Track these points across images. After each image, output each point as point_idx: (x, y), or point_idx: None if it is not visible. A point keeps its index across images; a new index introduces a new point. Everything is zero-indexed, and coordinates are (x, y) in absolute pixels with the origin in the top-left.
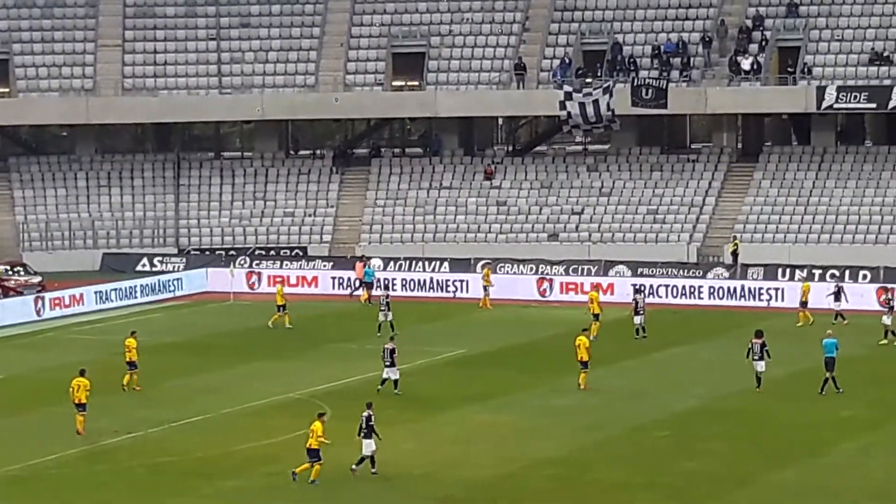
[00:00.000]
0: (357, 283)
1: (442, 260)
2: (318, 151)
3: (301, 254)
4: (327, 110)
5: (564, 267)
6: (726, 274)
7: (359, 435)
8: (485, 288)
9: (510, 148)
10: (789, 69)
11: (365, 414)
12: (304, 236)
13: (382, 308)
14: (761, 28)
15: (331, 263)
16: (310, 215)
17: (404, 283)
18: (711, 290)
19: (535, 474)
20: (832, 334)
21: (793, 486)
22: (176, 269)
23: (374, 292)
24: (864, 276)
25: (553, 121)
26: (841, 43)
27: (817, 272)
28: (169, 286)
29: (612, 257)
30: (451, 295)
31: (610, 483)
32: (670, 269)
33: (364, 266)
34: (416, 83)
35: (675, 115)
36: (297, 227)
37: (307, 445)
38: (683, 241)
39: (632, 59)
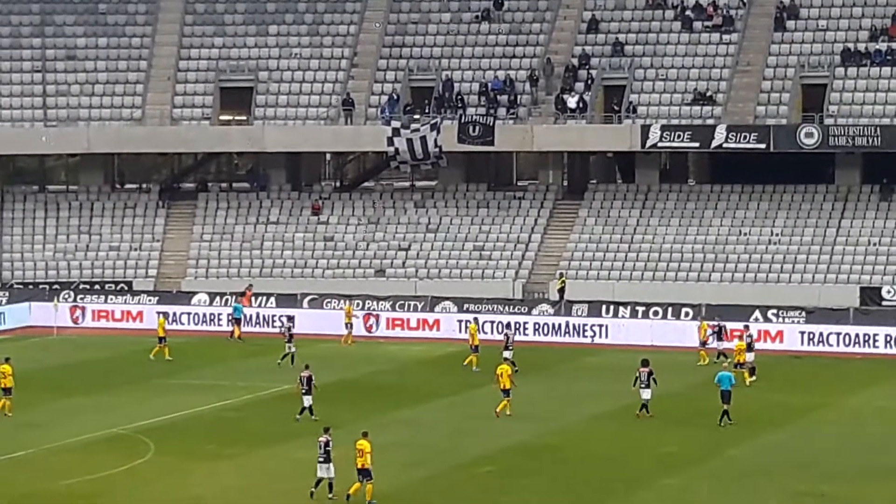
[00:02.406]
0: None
1: (268, 295)
2: (144, 185)
3: (126, 288)
4: (154, 144)
5: (391, 303)
6: (551, 310)
7: (319, 460)
8: (347, 325)
9: (337, 183)
10: (614, 108)
11: (322, 439)
12: (129, 270)
13: (287, 340)
14: (587, 67)
15: (156, 298)
16: (135, 249)
17: (230, 318)
18: (536, 326)
19: None
20: (727, 368)
21: None
22: None
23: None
24: (687, 314)
25: (381, 157)
26: (665, 82)
27: (640, 309)
28: None
29: (438, 293)
30: (278, 330)
31: None
32: (496, 306)
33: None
34: (243, 118)
35: (501, 153)
36: (123, 262)
37: (359, 466)
38: (509, 277)
39: (459, 96)
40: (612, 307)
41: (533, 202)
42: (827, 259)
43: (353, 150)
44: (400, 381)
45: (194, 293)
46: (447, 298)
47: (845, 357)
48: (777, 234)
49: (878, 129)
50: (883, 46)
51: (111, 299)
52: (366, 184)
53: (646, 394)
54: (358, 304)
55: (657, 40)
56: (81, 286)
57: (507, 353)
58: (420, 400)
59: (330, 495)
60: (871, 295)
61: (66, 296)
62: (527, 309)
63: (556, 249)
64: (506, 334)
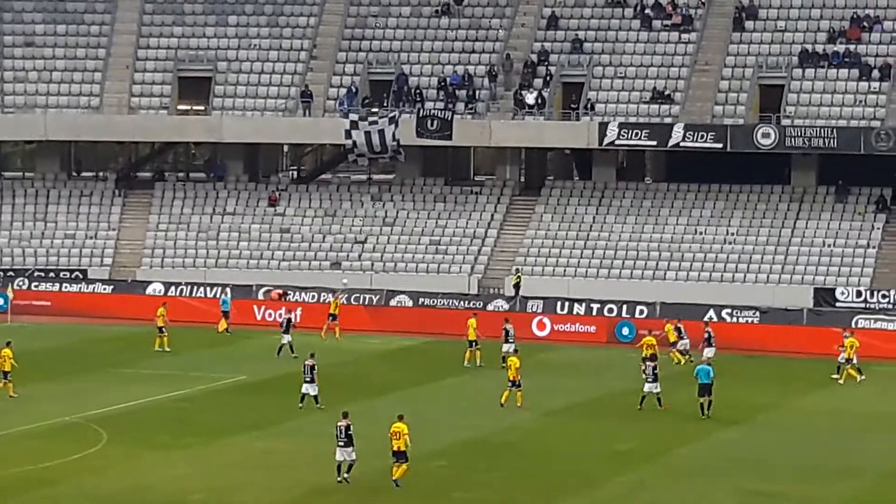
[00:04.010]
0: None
1: (224, 286)
2: (100, 174)
3: (81, 276)
4: (111, 132)
5: (346, 295)
6: (506, 306)
7: (339, 444)
8: (333, 316)
9: (295, 175)
10: (573, 105)
11: (342, 424)
12: (84, 258)
13: (284, 331)
14: (546, 63)
15: (111, 287)
16: (91, 237)
17: (185, 308)
18: (493, 321)
19: (312, 502)
20: (706, 361)
21: None
22: None
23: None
24: (641, 312)
25: (338, 149)
26: (623, 80)
27: (595, 306)
28: None
29: (393, 287)
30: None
31: None
32: (451, 300)
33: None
34: (201, 107)
35: (459, 147)
36: (78, 250)
37: (395, 448)
38: (465, 272)
39: (418, 90)
40: (567, 304)
41: (490, 197)
42: (782, 259)
43: (311, 142)
44: (355, 373)
45: (149, 282)
46: (402, 292)
47: (799, 357)
48: (733, 234)
49: (835, 130)
50: (841, 48)
51: (66, 287)
52: (323, 176)
53: (654, 387)
54: (341, 295)
55: (616, 38)
56: (36, 273)
57: (507, 346)
58: (375, 393)
59: (347, 475)
60: (824, 296)
61: (21, 283)
62: (482, 304)
63: (512, 245)
64: (505, 329)
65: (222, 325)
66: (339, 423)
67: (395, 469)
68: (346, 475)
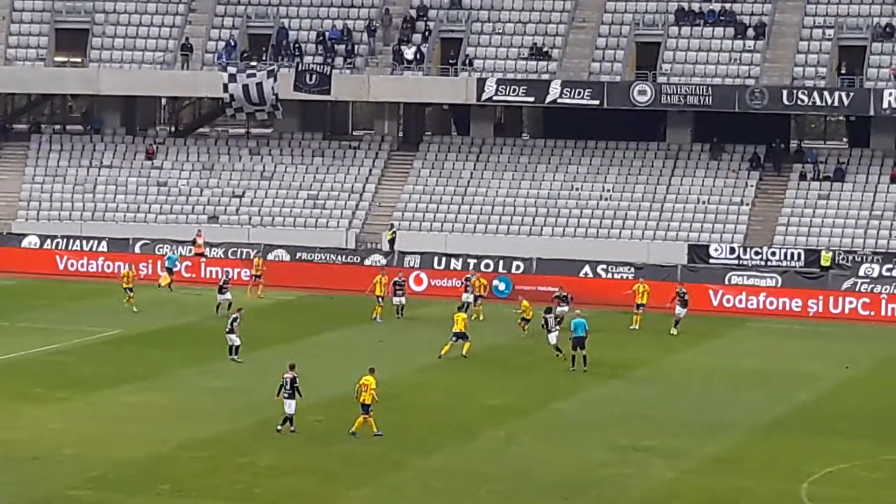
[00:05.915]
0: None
1: (100, 239)
2: None
3: None
4: None
5: (223, 249)
6: (383, 261)
7: (278, 395)
8: (255, 276)
9: (172, 128)
10: (451, 61)
11: (289, 375)
12: None
13: (219, 291)
14: (425, 19)
15: None
16: None
17: (61, 260)
18: (369, 276)
19: (188, 455)
20: (580, 314)
21: (440, 471)
22: None
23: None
24: (518, 267)
25: (216, 103)
26: (502, 36)
27: (472, 261)
28: None
29: (271, 241)
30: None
31: (263, 465)
32: (328, 255)
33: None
34: (78, 60)
35: (337, 102)
36: None
37: (360, 401)
38: (343, 226)
39: (297, 45)
40: (444, 259)
41: (368, 152)
42: (657, 216)
43: (189, 95)
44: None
45: (25, 235)
46: (280, 246)
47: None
48: (608, 191)
49: (710, 88)
50: (716, 7)
51: None
52: (201, 129)
53: (552, 338)
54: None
55: None
56: None
57: (396, 300)
58: (253, 347)
59: (292, 428)
60: (698, 252)
61: None
62: (359, 259)
63: (389, 200)
64: (398, 282)
65: (164, 280)
66: (285, 376)
67: (362, 421)
68: (290, 427)
